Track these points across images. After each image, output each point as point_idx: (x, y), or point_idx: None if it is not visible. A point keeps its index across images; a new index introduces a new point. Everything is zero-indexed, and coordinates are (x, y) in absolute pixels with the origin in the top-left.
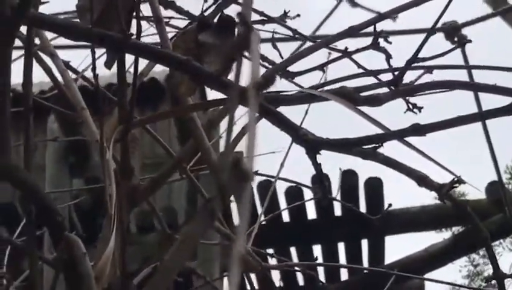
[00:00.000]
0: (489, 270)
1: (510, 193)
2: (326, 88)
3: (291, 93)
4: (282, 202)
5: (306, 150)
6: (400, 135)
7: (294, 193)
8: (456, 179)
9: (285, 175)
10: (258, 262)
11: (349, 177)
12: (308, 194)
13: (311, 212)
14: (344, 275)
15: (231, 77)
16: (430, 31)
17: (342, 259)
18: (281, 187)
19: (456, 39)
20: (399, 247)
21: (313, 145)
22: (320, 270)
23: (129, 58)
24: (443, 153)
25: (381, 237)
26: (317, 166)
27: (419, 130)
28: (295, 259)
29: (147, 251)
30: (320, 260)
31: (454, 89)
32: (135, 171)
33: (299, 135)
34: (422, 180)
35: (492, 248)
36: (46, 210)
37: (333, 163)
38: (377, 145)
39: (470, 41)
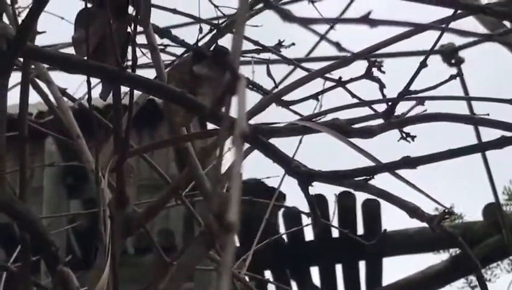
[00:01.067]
0: None
1: (507, 215)
2: (318, 119)
3: (283, 125)
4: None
5: (298, 182)
6: (391, 168)
7: (292, 215)
8: (447, 210)
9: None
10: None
11: (346, 198)
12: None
13: (309, 234)
14: None
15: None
16: (423, 63)
17: (340, 281)
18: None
19: (453, 61)
20: (396, 269)
21: (304, 177)
22: None
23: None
24: (442, 174)
25: (378, 259)
26: (309, 197)
27: (410, 163)
28: (292, 281)
29: (144, 272)
30: (317, 282)
31: (445, 121)
32: (130, 200)
33: (291, 167)
34: (414, 212)
35: (482, 276)
36: (41, 241)
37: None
38: (369, 177)
39: (463, 61)
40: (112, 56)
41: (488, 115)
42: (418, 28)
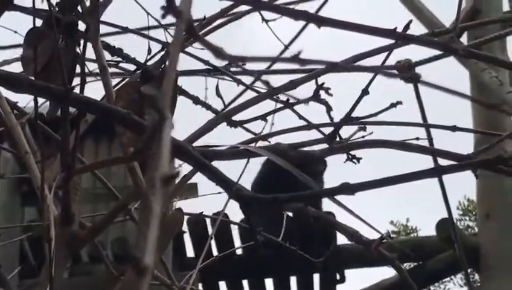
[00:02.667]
0: None
1: (460, 231)
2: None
3: (226, 149)
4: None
5: (239, 205)
6: (330, 193)
7: (247, 228)
8: (384, 235)
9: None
10: None
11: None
12: None
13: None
14: None
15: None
16: (365, 90)
17: None
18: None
19: (409, 77)
20: (351, 281)
21: (246, 200)
22: None
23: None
24: (398, 188)
25: (332, 272)
26: (248, 220)
27: (349, 189)
28: None
29: (98, 280)
30: None
31: (383, 147)
32: (75, 217)
33: (233, 191)
34: (353, 236)
35: None
36: None
37: None
38: (309, 201)
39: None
40: (59, 77)
41: (417, 139)
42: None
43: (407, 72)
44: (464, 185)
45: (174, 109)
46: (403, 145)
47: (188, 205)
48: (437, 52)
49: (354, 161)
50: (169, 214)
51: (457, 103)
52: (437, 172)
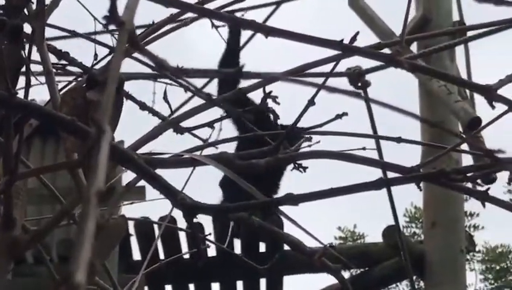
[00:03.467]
0: None
1: (406, 238)
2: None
3: (171, 157)
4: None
5: (183, 214)
6: (274, 203)
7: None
8: (327, 246)
9: None
10: None
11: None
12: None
13: (212, 250)
14: None
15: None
16: (311, 101)
17: None
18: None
19: (359, 84)
20: (297, 287)
21: (189, 209)
22: None
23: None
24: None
25: (279, 277)
26: (193, 229)
27: (292, 199)
28: None
29: (42, 282)
30: None
31: (327, 158)
32: (17, 222)
33: (177, 199)
34: (296, 246)
35: None
36: None
37: None
38: (252, 212)
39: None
40: (2, 82)
41: (364, 149)
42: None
43: (357, 79)
44: (410, 193)
45: (119, 116)
46: (348, 157)
47: (136, 207)
48: None
49: (301, 169)
50: (112, 221)
51: (406, 104)
52: (382, 184)
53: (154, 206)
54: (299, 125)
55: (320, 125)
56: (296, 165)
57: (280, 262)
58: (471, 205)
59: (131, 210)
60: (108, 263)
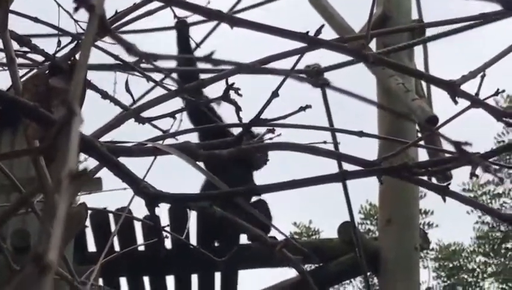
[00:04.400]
0: None
1: (361, 234)
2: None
3: (134, 145)
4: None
5: (145, 202)
6: (235, 194)
7: (151, 225)
8: (287, 238)
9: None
10: None
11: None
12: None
13: (167, 243)
14: None
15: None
16: (274, 92)
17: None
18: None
19: (318, 82)
20: (253, 281)
21: (151, 198)
22: None
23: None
24: (303, 191)
25: (234, 270)
26: (154, 217)
27: (254, 190)
28: (148, 288)
29: None
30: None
31: (289, 150)
32: None
33: (139, 187)
34: (257, 238)
35: None
36: None
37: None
38: (214, 202)
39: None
40: None
41: (324, 142)
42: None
43: (315, 77)
44: (366, 189)
45: (83, 104)
46: (310, 149)
47: (92, 199)
48: (346, 57)
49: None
50: (72, 209)
51: (363, 110)
52: (343, 177)
53: (110, 199)
54: (263, 117)
55: (284, 117)
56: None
57: (235, 256)
58: (426, 203)
59: (86, 202)
60: (65, 253)
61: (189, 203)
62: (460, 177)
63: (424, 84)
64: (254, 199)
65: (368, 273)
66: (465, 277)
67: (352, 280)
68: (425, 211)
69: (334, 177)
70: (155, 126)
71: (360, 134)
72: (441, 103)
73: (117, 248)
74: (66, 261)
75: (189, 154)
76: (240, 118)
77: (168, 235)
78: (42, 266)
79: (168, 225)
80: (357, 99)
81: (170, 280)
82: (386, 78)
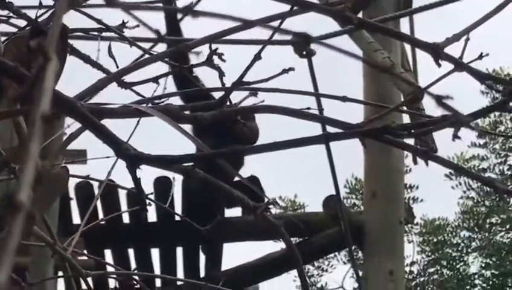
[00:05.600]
0: (322, 281)
1: (346, 208)
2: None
3: (117, 107)
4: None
5: (126, 164)
6: (218, 155)
7: (135, 194)
8: (270, 201)
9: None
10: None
11: (189, 181)
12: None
13: (152, 215)
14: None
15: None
16: (257, 55)
17: (179, 263)
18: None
19: (304, 52)
20: (237, 255)
21: (133, 159)
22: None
23: None
24: (288, 164)
25: (219, 244)
26: (136, 180)
27: (236, 152)
28: (132, 260)
29: None
30: (157, 263)
31: (275, 113)
32: None
33: (120, 149)
34: (240, 201)
35: (303, 270)
36: None
37: None
38: (196, 163)
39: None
40: None
41: (308, 109)
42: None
43: (301, 47)
44: (351, 164)
45: (64, 64)
46: (292, 112)
47: (76, 172)
48: (332, 29)
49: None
50: (53, 172)
51: (349, 86)
52: (325, 138)
53: (94, 173)
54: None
55: (266, 80)
56: (241, 120)
57: (220, 229)
58: (411, 178)
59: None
60: (50, 221)
61: (171, 164)
62: (444, 152)
63: (410, 58)
64: (246, 175)
65: (353, 247)
66: (450, 251)
67: (337, 253)
68: (411, 186)
69: (317, 139)
70: (137, 93)
71: (344, 99)
72: (427, 77)
73: (102, 222)
74: (49, 227)
75: (171, 116)
76: (223, 84)
77: (152, 203)
78: (15, 205)
79: (151, 193)
80: (342, 53)
81: (155, 253)
82: (371, 52)
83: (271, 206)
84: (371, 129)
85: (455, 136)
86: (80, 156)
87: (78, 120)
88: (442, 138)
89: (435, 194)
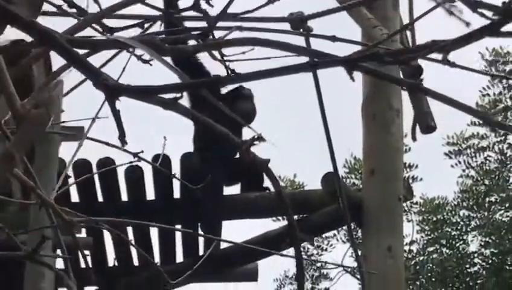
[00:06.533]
0: (322, 260)
1: (345, 185)
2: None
3: (98, 39)
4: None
5: (105, 95)
6: (199, 85)
7: (134, 172)
8: (256, 136)
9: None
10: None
11: (189, 158)
12: (148, 174)
13: (150, 194)
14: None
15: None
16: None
17: (178, 241)
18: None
19: (301, 30)
20: (235, 232)
21: (112, 90)
22: (156, 252)
23: None
24: (288, 143)
25: (218, 221)
26: (115, 111)
27: (220, 81)
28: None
29: None
30: (156, 241)
31: (261, 46)
32: None
33: (99, 79)
34: (224, 136)
35: (299, 247)
36: None
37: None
38: (179, 97)
39: (311, 30)
40: None
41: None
42: None
43: (299, 24)
44: (351, 143)
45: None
46: (279, 45)
47: (73, 149)
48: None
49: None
50: (34, 111)
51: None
52: (310, 66)
53: (91, 150)
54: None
55: (252, 11)
56: (221, 55)
57: (219, 207)
58: (410, 156)
59: (69, 153)
60: (47, 177)
61: (151, 95)
62: (443, 131)
63: (409, 35)
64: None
65: (352, 225)
66: (449, 230)
67: (336, 233)
68: (410, 165)
69: (303, 66)
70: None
71: (333, 39)
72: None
73: (100, 198)
74: (30, 171)
75: (153, 48)
76: (206, 14)
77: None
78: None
79: (142, 152)
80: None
81: (154, 232)
82: (370, 29)
83: (257, 142)
84: (358, 56)
85: (444, 60)
86: (78, 133)
87: (56, 51)
88: (441, 117)
89: (434, 173)
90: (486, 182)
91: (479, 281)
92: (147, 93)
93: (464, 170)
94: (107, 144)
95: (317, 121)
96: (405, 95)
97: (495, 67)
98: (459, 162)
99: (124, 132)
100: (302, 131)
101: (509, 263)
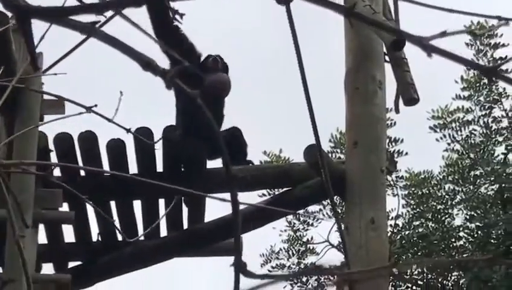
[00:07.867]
0: (308, 236)
1: (328, 157)
2: None
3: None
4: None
5: (16, 17)
6: (120, 5)
7: (116, 145)
8: (184, 67)
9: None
10: None
11: (171, 131)
12: (130, 148)
13: (133, 168)
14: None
15: None
16: None
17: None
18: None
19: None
20: (219, 207)
21: (23, 12)
22: (141, 227)
23: None
24: (272, 118)
25: (201, 196)
26: (27, 33)
27: (138, 2)
28: (115, 213)
29: None
30: (139, 215)
31: None
32: None
33: (10, 1)
34: (148, 65)
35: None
36: None
37: None
38: (97, 21)
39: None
40: None
41: None
42: None
43: None
44: (335, 115)
45: None
46: None
47: (55, 124)
48: None
49: (177, 17)
50: None
51: (330, 35)
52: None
53: (72, 123)
54: None
55: None
56: (172, 12)
57: (202, 180)
58: (395, 131)
59: (49, 126)
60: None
61: (67, 17)
62: (429, 104)
63: (392, 7)
64: (228, 127)
65: (336, 198)
66: (434, 204)
67: (322, 208)
68: (395, 140)
69: None
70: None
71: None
72: (408, 25)
73: (82, 172)
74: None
75: None
76: None
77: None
78: None
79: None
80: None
81: (137, 205)
82: (352, 0)
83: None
84: None
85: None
86: (58, 108)
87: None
88: (425, 92)
89: (419, 147)
90: (472, 155)
91: (464, 255)
92: (60, 15)
93: (449, 144)
94: (101, 115)
95: (304, 96)
96: (388, 67)
97: (480, 41)
98: (444, 136)
99: (35, 51)
100: (289, 106)
101: (494, 237)
